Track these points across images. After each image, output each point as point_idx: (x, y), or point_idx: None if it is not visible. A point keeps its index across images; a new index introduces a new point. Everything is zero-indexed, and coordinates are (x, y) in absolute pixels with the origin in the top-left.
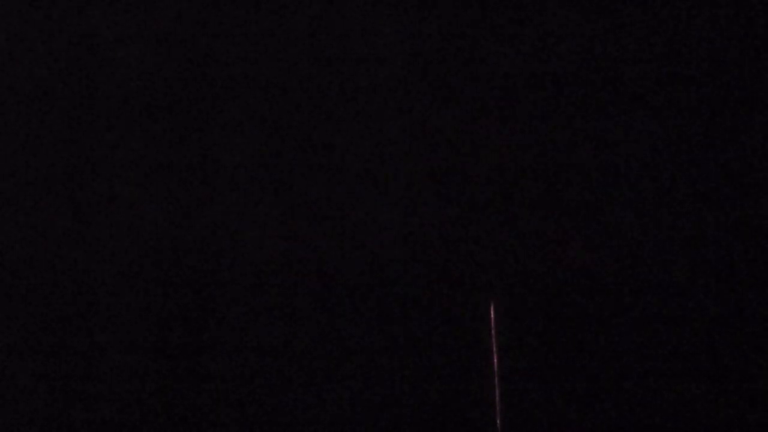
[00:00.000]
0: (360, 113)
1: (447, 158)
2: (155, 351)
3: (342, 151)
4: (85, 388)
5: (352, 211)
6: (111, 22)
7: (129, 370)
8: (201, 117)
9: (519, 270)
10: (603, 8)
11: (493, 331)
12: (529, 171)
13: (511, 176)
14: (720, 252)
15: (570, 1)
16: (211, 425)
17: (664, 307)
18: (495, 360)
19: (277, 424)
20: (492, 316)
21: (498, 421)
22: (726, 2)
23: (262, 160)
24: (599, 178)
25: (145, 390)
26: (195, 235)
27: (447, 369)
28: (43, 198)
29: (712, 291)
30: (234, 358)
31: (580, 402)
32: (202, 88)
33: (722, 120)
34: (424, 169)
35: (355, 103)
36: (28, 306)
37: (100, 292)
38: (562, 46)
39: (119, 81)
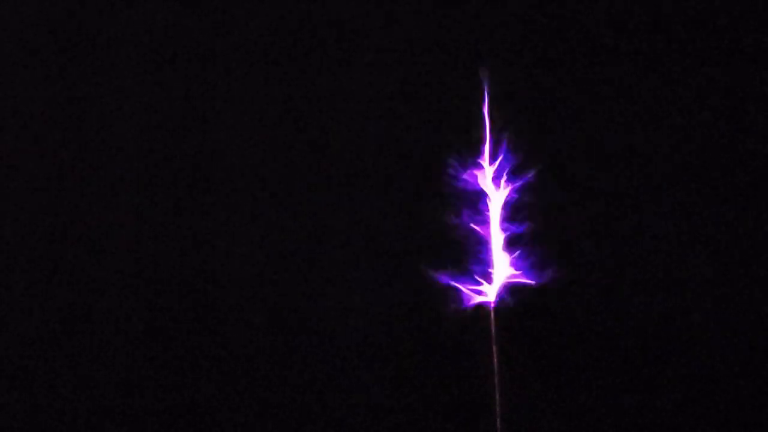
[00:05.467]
0: (359, 117)
1: (444, 166)
2: (152, 354)
3: (342, 154)
4: (83, 389)
5: (355, 212)
6: (111, 21)
7: (127, 373)
8: (201, 118)
9: (519, 273)
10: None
11: (493, 333)
12: (531, 175)
13: (511, 180)
14: (725, 260)
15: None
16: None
17: (663, 310)
18: (495, 360)
19: (278, 423)
20: (492, 319)
21: (498, 422)
22: None
23: (261, 162)
24: (600, 181)
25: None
26: (194, 237)
27: (447, 370)
28: (43, 199)
29: (721, 298)
30: (234, 360)
31: (579, 403)
32: (201, 96)
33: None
34: (422, 175)
35: (354, 106)
36: (27, 307)
37: (100, 294)
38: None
39: (119, 82)
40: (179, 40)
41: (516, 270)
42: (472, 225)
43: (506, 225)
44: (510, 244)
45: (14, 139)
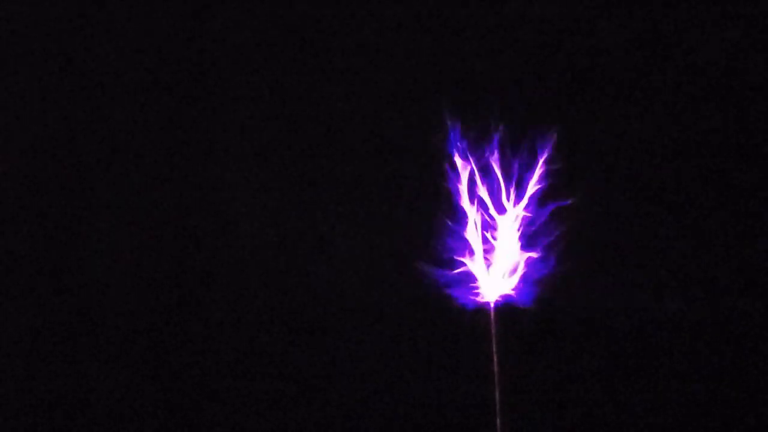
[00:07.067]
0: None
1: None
2: (148, 353)
3: (343, 156)
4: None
5: (355, 213)
6: (110, 22)
7: (125, 375)
8: (199, 117)
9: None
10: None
11: (493, 332)
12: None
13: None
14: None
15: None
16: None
17: (665, 311)
18: (495, 361)
19: (276, 423)
20: (492, 317)
21: (498, 422)
22: None
23: (260, 158)
24: (601, 182)
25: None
26: (193, 234)
27: (447, 370)
28: (43, 199)
29: (723, 299)
30: (231, 361)
31: (580, 404)
32: (198, 91)
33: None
34: (425, 176)
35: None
36: (27, 307)
37: (99, 293)
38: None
39: (120, 82)
40: (178, 41)
41: (517, 271)
42: (474, 227)
43: (508, 227)
44: (512, 245)
45: (13, 139)
